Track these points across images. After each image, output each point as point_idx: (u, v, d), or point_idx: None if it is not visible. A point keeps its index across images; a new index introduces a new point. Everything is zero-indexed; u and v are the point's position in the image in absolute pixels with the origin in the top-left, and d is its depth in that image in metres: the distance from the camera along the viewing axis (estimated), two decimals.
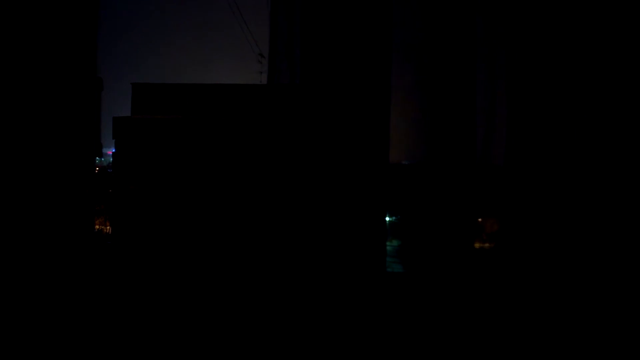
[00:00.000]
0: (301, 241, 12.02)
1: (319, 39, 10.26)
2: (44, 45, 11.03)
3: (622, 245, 9.53)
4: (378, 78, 9.98)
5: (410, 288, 11.87)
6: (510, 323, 9.04)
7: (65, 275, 11.63)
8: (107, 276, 11.94)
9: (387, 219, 13.30)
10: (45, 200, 11.38)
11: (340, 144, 11.51)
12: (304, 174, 11.61)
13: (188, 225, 11.54)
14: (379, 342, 8.99)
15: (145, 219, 11.64)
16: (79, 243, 11.91)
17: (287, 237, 11.84)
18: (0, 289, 10.30)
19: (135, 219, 11.68)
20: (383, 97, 10.05)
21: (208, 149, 11.80)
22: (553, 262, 9.96)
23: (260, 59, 14.57)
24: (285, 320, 10.29)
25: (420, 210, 11.72)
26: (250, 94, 12.13)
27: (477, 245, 11.85)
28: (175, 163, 11.68)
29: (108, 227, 12.80)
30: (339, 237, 11.87)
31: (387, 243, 12.54)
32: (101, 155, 15.50)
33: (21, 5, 10.51)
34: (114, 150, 12.19)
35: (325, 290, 11.44)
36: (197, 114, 11.79)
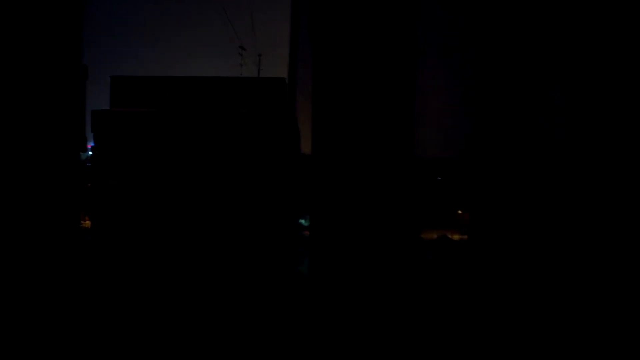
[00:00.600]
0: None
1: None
2: (20, 23, 10.01)
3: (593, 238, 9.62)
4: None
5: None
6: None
7: (50, 272, 11.45)
8: (88, 271, 11.82)
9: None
10: (27, 197, 11.09)
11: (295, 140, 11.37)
12: (281, 168, 11.59)
13: (166, 220, 11.46)
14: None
15: (124, 214, 11.54)
16: (63, 240, 11.69)
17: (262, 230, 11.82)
18: None
19: (114, 214, 11.58)
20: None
21: (187, 143, 11.72)
22: (521, 254, 10.03)
23: (240, 52, 14.49)
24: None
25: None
26: (230, 86, 12.04)
27: (456, 237, 11.95)
28: (154, 156, 11.58)
29: (87, 222, 12.65)
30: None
31: None
32: (86, 149, 14.88)
33: None
34: (92, 144, 12.06)
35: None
36: (177, 107, 11.69)
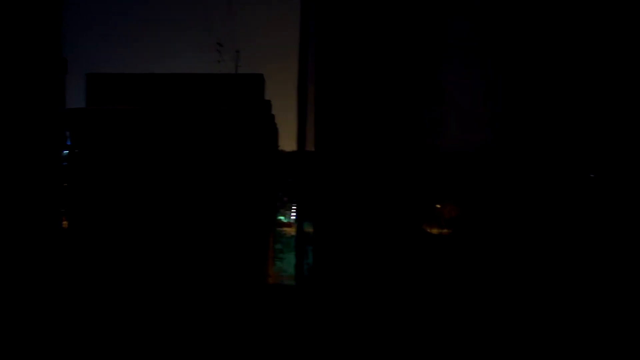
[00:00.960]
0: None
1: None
2: None
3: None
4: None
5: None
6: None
7: (30, 271, 11.24)
8: (65, 270, 11.70)
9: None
10: (6, 196, 10.71)
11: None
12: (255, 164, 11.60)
13: (142, 217, 11.38)
14: None
15: (100, 213, 11.45)
16: (44, 240, 11.39)
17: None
18: None
19: (90, 214, 11.47)
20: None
21: (164, 140, 11.65)
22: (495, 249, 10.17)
23: (218, 48, 14.41)
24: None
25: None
26: (207, 83, 12.00)
27: (434, 231, 12.03)
28: (131, 154, 11.50)
29: (64, 222, 12.49)
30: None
31: None
32: (65, 147, 14.23)
33: None
34: (68, 142, 11.90)
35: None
36: (154, 104, 11.61)
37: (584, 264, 9.70)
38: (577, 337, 8.64)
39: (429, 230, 12.39)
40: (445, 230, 11.78)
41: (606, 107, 9.34)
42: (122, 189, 11.49)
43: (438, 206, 12.16)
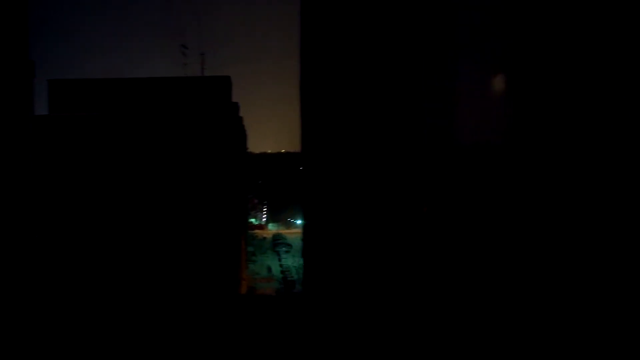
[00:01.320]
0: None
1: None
2: None
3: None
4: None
5: None
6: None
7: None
8: (32, 273, 11.45)
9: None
10: None
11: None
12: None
13: (106, 223, 11.13)
14: None
15: (61, 219, 11.14)
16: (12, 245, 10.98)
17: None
18: None
19: (56, 218, 11.17)
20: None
21: (128, 145, 11.42)
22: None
23: (183, 51, 14.23)
24: None
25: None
26: (172, 86, 11.84)
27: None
28: (95, 161, 11.25)
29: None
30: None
31: None
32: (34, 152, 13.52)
33: None
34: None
35: None
36: (118, 110, 11.38)
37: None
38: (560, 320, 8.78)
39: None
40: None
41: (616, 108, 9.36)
42: (87, 196, 11.25)
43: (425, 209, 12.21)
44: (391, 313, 8.81)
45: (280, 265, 38.15)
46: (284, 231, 53.18)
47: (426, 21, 8.76)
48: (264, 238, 50.10)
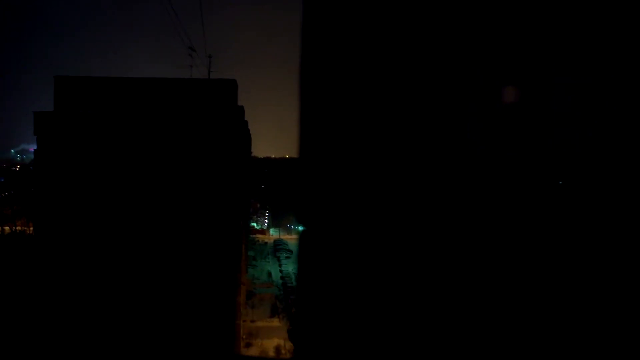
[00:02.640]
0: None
1: None
2: None
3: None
4: None
5: None
6: None
7: None
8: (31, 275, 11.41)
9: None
10: None
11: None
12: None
13: (109, 223, 11.06)
14: None
15: (67, 219, 11.08)
16: None
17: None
18: None
19: (57, 219, 11.09)
20: None
21: (133, 145, 11.35)
22: None
23: (190, 53, 14.24)
24: None
25: None
26: (178, 87, 11.79)
27: None
28: (99, 159, 11.18)
29: (31, 228, 12.14)
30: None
31: None
32: None
33: None
34: (34, 147, 11.57)
35: None
36: (124, 109, 11.32)
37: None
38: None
39: None
40: None
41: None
42: (89, 195, 11.19)
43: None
44: (387, 319, 8.71)
45: (281, 271, 38.13)
46: (285, 237, 53.22)
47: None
48: (266, 243, 50.14)
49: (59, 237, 11.32)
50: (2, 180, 40.21)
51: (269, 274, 37.96)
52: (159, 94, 11.69)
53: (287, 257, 44.21)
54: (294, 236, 54.72)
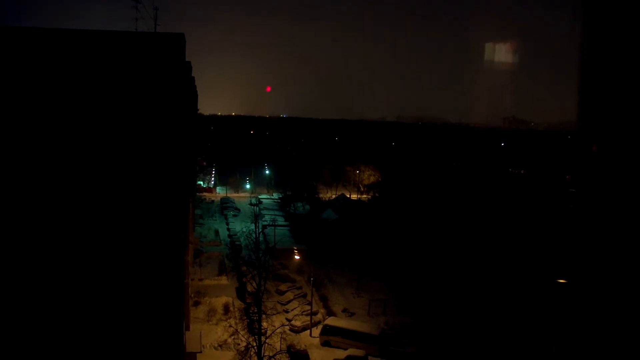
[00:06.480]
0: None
1: None
2: None
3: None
4: None
5: None
6: None
7: None
8: None
9: None
10: None
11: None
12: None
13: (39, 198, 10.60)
14: None
15: None
16: None
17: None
18: None
19: None
20: None
21: (72, 102, 10.70)
22: None
23: (135, 5, 13.52)
24: None
25: None
26: (121, 40, 11.18)
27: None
28: (31, 116, 10.51)
29: None
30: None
31: None
32: None
33: None
34: None
35: None
36: (63, 62, 10.61)
37: None
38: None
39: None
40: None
41: None
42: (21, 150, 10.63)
43: None
44: None
45: (228, 229, 37.84)
46: (232, 195, 52.69)
47: None
48: (212, 201, 49.50)
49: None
50: None
51: (217, 232, 37.60)
52: (100, 47, 11.07)
53: (234, 215, 43.80)
54: (241, 194, 54.36)
